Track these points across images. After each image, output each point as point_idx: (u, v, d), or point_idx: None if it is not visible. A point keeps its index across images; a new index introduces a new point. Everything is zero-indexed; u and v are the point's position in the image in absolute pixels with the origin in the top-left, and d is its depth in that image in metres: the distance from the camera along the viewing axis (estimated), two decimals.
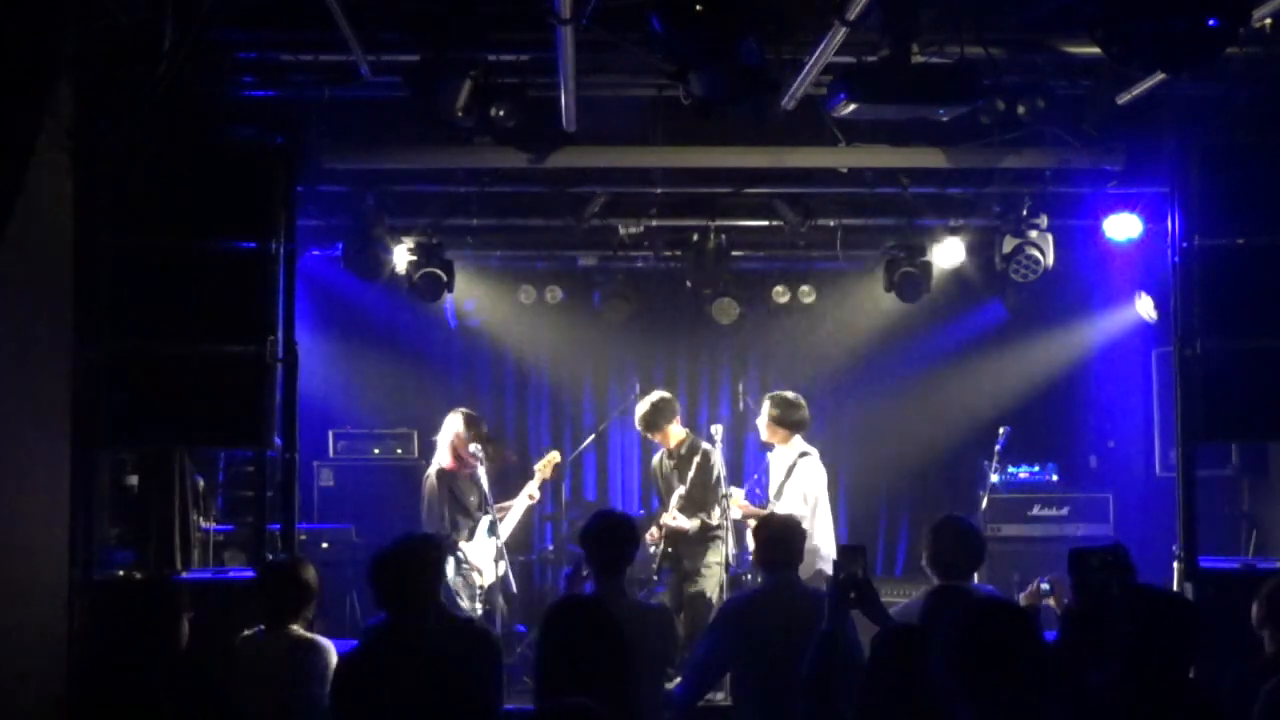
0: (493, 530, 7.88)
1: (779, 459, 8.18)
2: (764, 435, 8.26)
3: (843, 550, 4.28)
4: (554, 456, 8.55)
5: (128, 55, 5.50)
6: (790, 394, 8.23)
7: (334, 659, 4.89)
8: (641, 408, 8.48)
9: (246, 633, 5.05)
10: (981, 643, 3.05)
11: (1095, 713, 3.74)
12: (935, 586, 5.19)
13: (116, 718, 4.18)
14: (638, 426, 8.55)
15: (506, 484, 8.64)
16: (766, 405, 8.20)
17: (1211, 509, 7.13)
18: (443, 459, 8.10)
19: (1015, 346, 10.21)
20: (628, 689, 3.83)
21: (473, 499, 8.07)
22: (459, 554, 7.91)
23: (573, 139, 6.97)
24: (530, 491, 8.31)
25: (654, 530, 8.21)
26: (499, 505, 8.11)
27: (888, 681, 3.54)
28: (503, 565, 7.87)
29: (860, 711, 3.65)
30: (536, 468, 8.45)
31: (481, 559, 8.02)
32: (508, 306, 10.22)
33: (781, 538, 5.28)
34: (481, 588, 8.00)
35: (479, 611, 7.89)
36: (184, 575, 6.26)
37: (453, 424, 8.10)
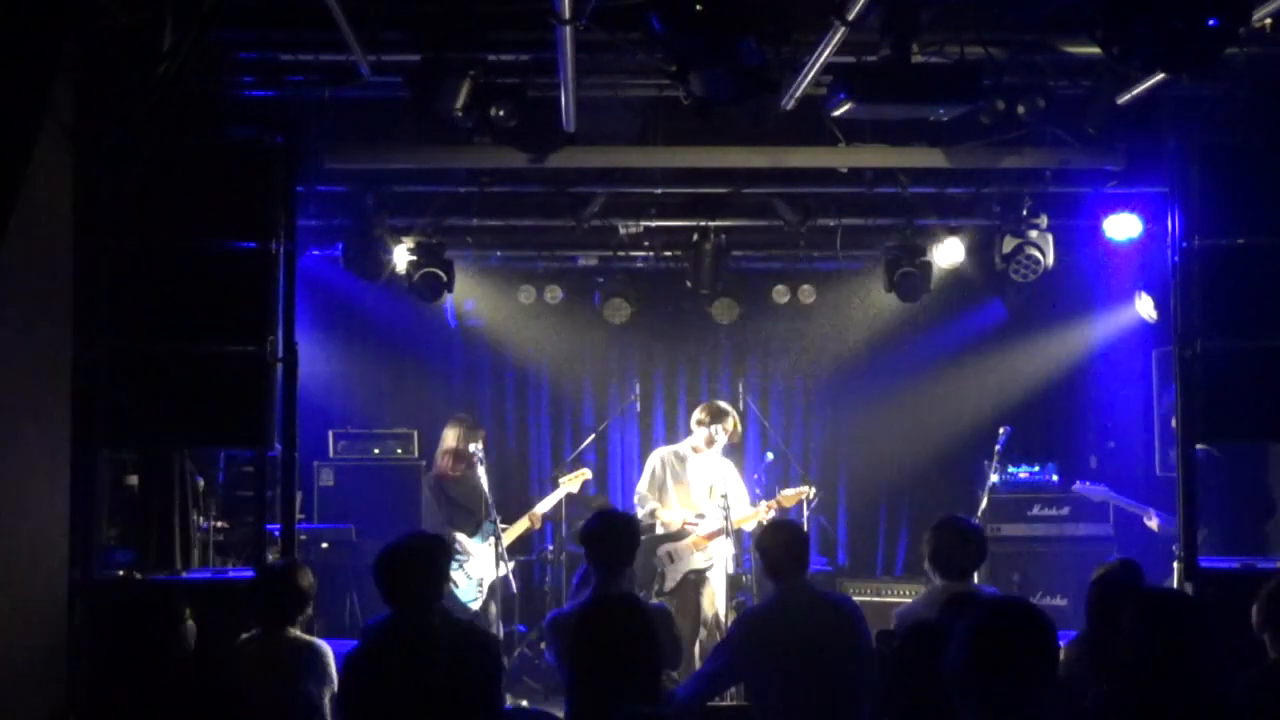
0: (494, 532, 7.93)
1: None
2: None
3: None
4: (584, 473, 8.74)
5: (128, 55, 5.49)
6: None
7: (331, 660, 4.90)
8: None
9: (244, 635, 5.06)
10: (1000, 642, 3.05)
11: (1106, 715, 3.73)
12: (940, 587, 5.19)
13: (118, 718, 4.18)
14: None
15: (507, 491, 8.74)
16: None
17: None
18: (436, 464, 8.48)
19: (1015, 346, 10.21)
20: (660, 686, 3.84)
21: (472, 501, 8.15)
22: (456, 548, 8.01)
23: (573, 139, 6.97)
24: (568, 491, 8.62)
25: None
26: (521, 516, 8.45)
27: (907, 681, 3.54)
28: (504, 566, 7.95)
29: (882, 710, 3.64)
30: (563, 480, 8.59)
31: (482, 557, 8.19)
32: (508, 306, 10.21)
33: (787, 543, 5.22)
34: (481, 583, 8.17)
35: (476, 606, 8.07)
36: (184, 575, 6.27)
37: (449, 433, 8.43)
